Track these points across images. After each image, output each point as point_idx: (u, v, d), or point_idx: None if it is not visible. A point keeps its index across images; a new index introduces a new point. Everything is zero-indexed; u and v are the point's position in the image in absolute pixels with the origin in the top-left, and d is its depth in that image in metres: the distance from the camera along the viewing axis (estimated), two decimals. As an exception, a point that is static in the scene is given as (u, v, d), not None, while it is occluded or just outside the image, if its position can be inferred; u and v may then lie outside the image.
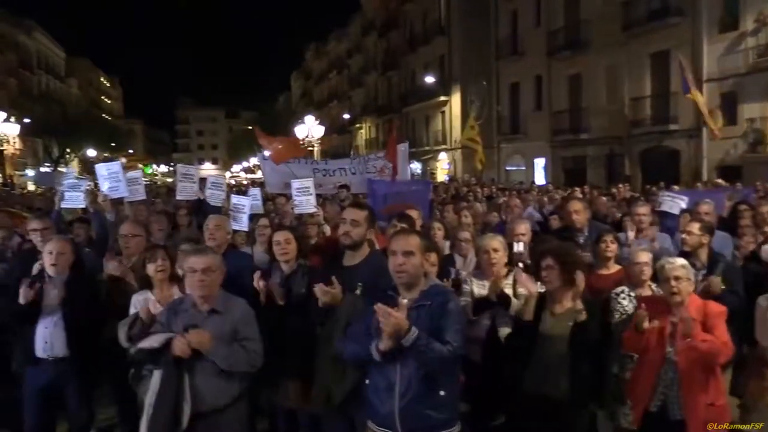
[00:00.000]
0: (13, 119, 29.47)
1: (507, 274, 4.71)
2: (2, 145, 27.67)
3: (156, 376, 3.67)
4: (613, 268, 5.19)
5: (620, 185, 15.54)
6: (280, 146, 18.29)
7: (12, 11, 52.78)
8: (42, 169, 47.99)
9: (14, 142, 28.38)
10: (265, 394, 4.93)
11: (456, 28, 35.98)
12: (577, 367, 3.99)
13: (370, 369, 3.51)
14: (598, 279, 5.01)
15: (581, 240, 5.69)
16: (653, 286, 4.57)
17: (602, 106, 25.22)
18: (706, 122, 18.22)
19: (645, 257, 4.69)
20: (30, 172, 44.96)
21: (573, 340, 3.96)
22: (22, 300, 4.49)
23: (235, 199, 7.40)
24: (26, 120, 38.20)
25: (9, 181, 28.92)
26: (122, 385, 4.23)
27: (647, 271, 4.61)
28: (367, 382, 3.54)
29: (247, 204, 7.17)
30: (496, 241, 4.84)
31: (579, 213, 6.05)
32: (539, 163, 29.39)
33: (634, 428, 4.16)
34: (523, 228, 5.84)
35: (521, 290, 4.37)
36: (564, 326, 4.02)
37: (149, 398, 3.67)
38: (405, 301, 3.30)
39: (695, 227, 5.40)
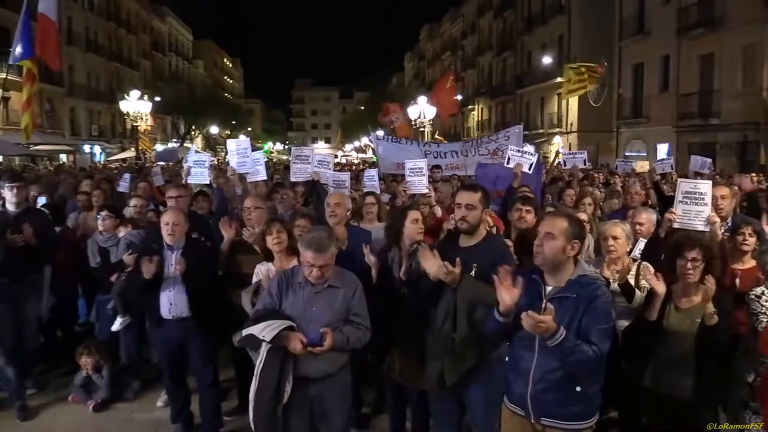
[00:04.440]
0: (146, 98, 31.54)
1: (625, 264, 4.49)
2: (137, 122, 29.75)
3: (263, 351, 3.79)
4: (749, 263, 4.80)
5: (753, 175, 14.37)
6: (398, 122, 18.44)
7: (147, -4, 56.48)
8: (169, 145, 51.17)
9: (147, 119, 30.41)
10: (375, 368, 5.04)
11: (576, 7, 34.65)
12: (703, 368, 3.75)
13: (510, 349, 3.45)
14: (731, 274, 4.66)
15: (722, 230, 5.28)
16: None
17: (737, 89, 23.32)
18: None
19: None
20: (159, 147, 48.08)
21: (701, 339, 3.72)
22: (146, 275, 4.83)
23: (335, 175, 7.58)
24: (157, 99, 40.78)
25: (143, 155, 31.04)
26: (241, 348, 4.45)
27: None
28: (506, 359, 3.49)
29: (347, 179, 7.35)
30: (618, 228, 4.60)
31: (725, 199, 5.62)
32: (662, 149, 27.74)
33: None
34: (644, 217, 5.56)
35: (643, 283, 4.15)
36: (691, 323, 3.79)
37: (257, 369, 3.82)
38: (551, 306, 3.10)
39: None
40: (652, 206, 7.12)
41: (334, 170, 8.35)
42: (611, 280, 4.38)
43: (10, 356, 5.68)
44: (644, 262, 4.29)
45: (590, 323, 3.13)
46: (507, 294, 3.17)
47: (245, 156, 7.49)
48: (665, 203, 6.50)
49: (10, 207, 5.94)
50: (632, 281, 4.42)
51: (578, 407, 3.24)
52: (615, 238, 4.57)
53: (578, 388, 3.20)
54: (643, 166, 13.06)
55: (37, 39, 11.84)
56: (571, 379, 3.18)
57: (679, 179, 5.92)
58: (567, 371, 3.16)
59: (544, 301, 3.21)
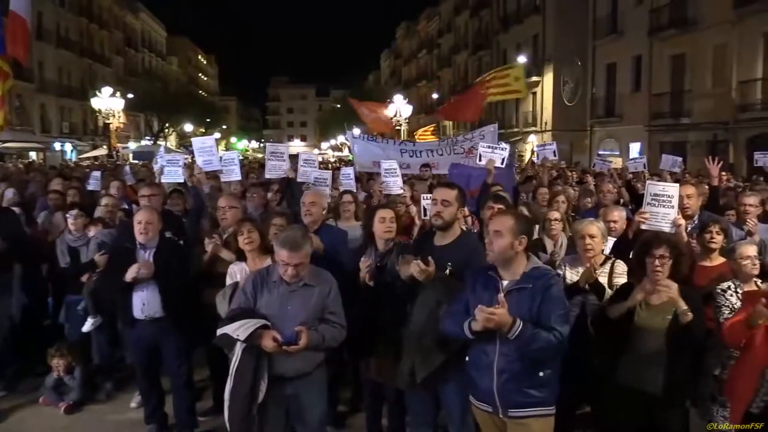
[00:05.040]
0: (118, 94, 31.13)
1: (604, 263, 4.54)
2: (109, 119, 29.34)
3: (237, 350, 3.79)
4: (717, 260, 4.88)
5: (723, 174, 14.63)
6: (372, 115, 18.18)
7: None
8: (143, 143, 50.52)
9: (119, 116, 30.03)
10: (351, 366, 5.05)
11: (551, 7, 34.97)
12: (674, 364, 3.82)
13: (470, 346, 3.55)
14: (700, 271, 4.75)
15: (689, 228, 5.38)
16: (758, 282, 4.28)
17: (707, 89, 23.75)
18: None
19: (752, 251, 4.38)
20: (132, 145, 47.42)
21: (675, 336, 3.78)
22: (129, 278, 4.78)
23: (316, 173, 7.57)
24: (130, 96, 40.25)
25: (115, 152, 30.62)
26: (216, 347, 4.43)
27: (754, 266, 4.31)
28: (467, 358, 3.59)
29: (328, 177, 7.35)
30: (594, 227, 4.66)
31: (690, 198, 5.72)
32: (634, 147, 28.14)
33: (731, 429, 3.95)
34: (617, 215, 5.63)
35: (617, 281, 4.22)
36: (661, 319, 3.84)
37: (232, 368, 3.82)
38: (502, 297, 3.28)
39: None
40: (625, 204, 7.22)
41: None
42: (589, 279, 4.42)
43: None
44: (618, 260, 4.35)
45: (548, 310, 3.33)
46: (487, 317, 3.21)
47: (211, 154, 7.43)
48: (638, 202, 6.60)
49: None
50: (605, 279, 4.47)
51: (542, 393, 3.41)
52: (592, 236, 4.62)
53: (541, 374, 3.38)
54: (616, 164, 13.26)
55: (8, 35, 11.60)
56: (534, 365, 3.36)
57: (648, 182, 6.01)
58: (530, 359, 3.32)
59: (502, 294, 3.33)
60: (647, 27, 26.68)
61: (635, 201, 7.12)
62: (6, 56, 11.87)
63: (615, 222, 5.50)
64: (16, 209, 7.05)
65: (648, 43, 27.05)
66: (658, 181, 6.64)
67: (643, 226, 5.09)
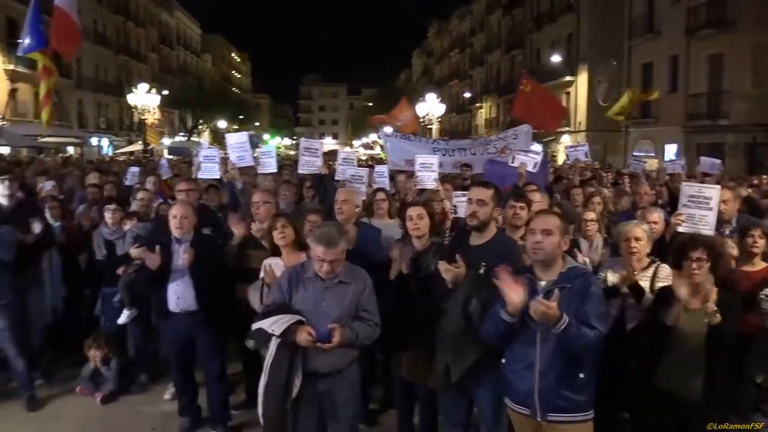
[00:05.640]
0: (153, 91, 31.61)
1: (648, 266, 4.44)
2: (144, 115, 29.82)
3: (272, 345, 3.81)
4: (759, 265, 4.76)
5: (763, 176, 14.29)
6: (397, 120, 18.33)
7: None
8: (177, 138, 51.24)
9: (154, 113, 30.49)
10: (383, 364, 5.04)
11: (586, 6, 34.53)
12: (712, 369, 3.73)
13: (507, 348, 3.52)
14: (742, 276, 4.63)
15: (727, 232, 5.27)
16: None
17: (746, 90, 23.19)
18: None
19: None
20: (166, 141, 48.12)
21: (708, 340, 3.70)
22: (151, 266, 4.85)
23: (352, 170, 7.59)
24: (165, 92, 40.85)
25: (149, 148, 31.14)
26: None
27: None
28: (503, 360, 3.55)
29: (364, 175, 7.36)
30: (639, 230, 4.53)
31: (727, 203, 5.60)
32: (670, 149, 27.62)
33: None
34: (656, 216, 5.53)
35: (660, 285, 4.13)
36: (700, 323, 3.75)
37: (266, 364, 3.83)
38: (557, 291, 3.28)
39: None
40: (662, 206, 7.09)
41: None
42: (628, 281, 4.34)
43: (19, 348, 5.71)
44: (663, 264, 4.25)
45: (588, 309, 3.31)
46: (514, 294, 3.24)
47: (244, 150, 7.51)
48: (674, 204, 6.48)
49: (2, 200, 6.01)
50: (647, 283, 4.37)
51: (581, 396, 3.38)
52: (637, 239, 4.52)
53: (581, 375, 3.35)
54: (652, 164, 13.01)
55: (53, 31, 11.86)
56: (575, 365, 3.33)
57: (683, 183, 5.90)
58: (572, 358, 3.30)
59: (540, 294, 3.30)
60: (684, 26, 26.16)
61: (674, 203, 6.98)
62: (47, 51, 12.18)
63: (655, 223, 5.40)
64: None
65: (685, 43, 26.49)
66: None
67: (680, 229, 4.99)
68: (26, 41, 11.99)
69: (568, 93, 36.87)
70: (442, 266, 3.89)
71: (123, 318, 6.06)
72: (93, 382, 6.00)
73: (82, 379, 6.04)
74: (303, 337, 3.68)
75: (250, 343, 4.43)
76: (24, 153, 26.59)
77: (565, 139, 36.03)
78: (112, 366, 6.00)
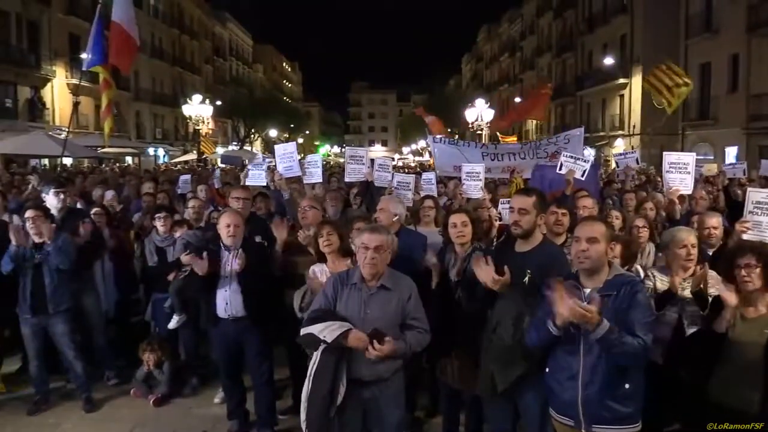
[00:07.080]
0: (207, 101, 32.40)
1: (692, 273, 4.30)
2: (198, 125, 30.60)
3: (316, 353, 3.80)
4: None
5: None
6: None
7: (210, 3, 58.12)
8: (230, 147, 52.35)
9: (208, 123, 31.24)
10: (429, 372, 5.01)
11: (639, 6, 33.78)
12: (769, 381, 3.56)
13: (551, 357, 3.47)
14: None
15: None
16: None
17: (813, 89, 22.23)
18: None
19: None
20: (220, 150, 49.28)
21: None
22: (199, 272, 4.96)
23: (399, 177, 7.58)
24: (218, 102, 41.85)
25: (203, 157, 31.91)
26: (297, 348, 4.51)
27: None
28: (546, 370, 3.50)
29: (411, 182, 7.35)
30: (694, 236, 4.41)
31: None
32: (730, 152, 26.65)
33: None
34: (715, 221, 5.34)
35: (711, 291, 3.99)
36: (758, 333, 3.60)
37: (310, 370, 3.83)
38: (597, 295, 3.22)
39: None
40: (720, 210, 6.84)
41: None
42: (680, 289, 4.22)
43: (77, 351, 5.92)
44: (711, 271, 4.11)
45: (634, 317, 3.24)
46: (564, 307, 3.16)
47: (292, 160, 7.60)
48: (733, 209, 6.24)
49: (53, 211, 6.24)
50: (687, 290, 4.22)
51: (629, 408, 3.30)
52: (694, 245, 4.39)
53: (627, 385, 3.27)
54: (710, 168, 12.50)
55: (111, 47, 12.33)
56: (620, 374, 3.25)
57: (749, 189, 5.66)
58: (617, 368, 3.22)
59: (584, 303, 3.22)
60: (745, 24, 25.24)
61: (732, 208, 6.72)
62: (106, 66, 12.66)
63: (715, 228, 5.23)
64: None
65: (746, 41, 25.57)
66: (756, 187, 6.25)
67: (745, 236, 4.80)
68: (90, 56, 12.53)
69: (621, 96, 36.08)
70: (490, 277, 3.78)
71: (173, 323, 6.22)
72: (146, 385, 6.17)
73: (136, 381, 6.22)
74: (359, 336, 3.63)
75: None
76: (85, 163, 27.65)
77: (619, 144, 35.22)
78: (165, 369, 6.16)
